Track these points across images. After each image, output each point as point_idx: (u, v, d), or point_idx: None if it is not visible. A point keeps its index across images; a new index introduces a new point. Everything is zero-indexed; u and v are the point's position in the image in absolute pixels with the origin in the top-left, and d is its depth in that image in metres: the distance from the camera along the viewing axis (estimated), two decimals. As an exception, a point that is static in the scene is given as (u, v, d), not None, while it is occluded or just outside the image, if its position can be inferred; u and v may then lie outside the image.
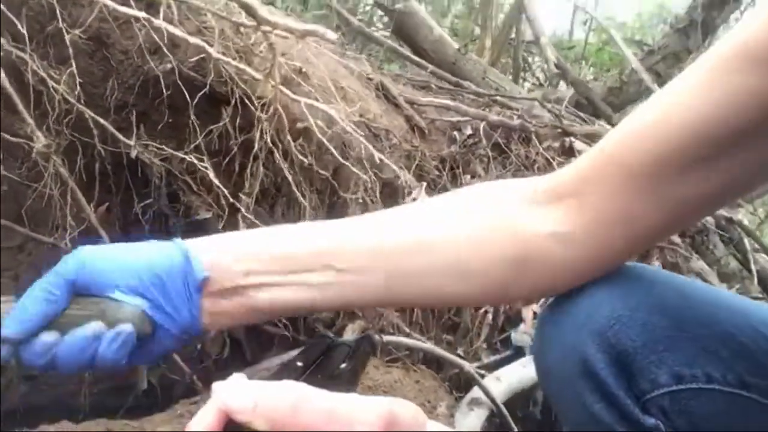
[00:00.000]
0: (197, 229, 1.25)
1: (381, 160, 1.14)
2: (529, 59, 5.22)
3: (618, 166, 0.58)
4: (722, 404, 0.60)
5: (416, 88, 2.17)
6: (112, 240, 1.17)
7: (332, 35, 0.92)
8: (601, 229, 0.59)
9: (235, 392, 0.32)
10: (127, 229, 1.23)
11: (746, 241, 2.48)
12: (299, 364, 0.51)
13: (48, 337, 0.56)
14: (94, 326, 0.55)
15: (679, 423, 0.60)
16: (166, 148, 1.09)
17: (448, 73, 2.84)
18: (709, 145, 0.55)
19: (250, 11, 0.98)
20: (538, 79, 5.58)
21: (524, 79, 5.42)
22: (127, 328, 0.55)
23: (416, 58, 2.52)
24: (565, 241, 0.60)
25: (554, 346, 0.65)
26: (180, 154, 1.06)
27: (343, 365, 0.53)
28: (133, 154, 1.12)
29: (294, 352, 0.63)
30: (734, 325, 0.61)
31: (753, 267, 2.40)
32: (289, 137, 1.14)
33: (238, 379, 0.34)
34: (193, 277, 0.57)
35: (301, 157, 1.18)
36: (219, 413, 0.33)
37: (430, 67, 2.34)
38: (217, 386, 0.34)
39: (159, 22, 1.01)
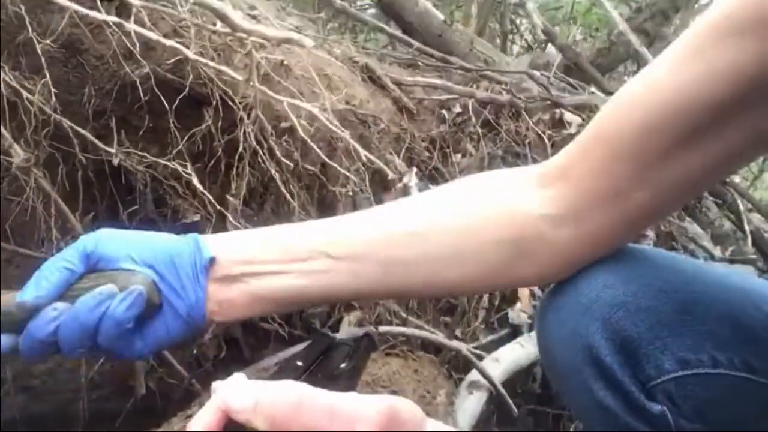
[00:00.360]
0: (186, 232, 1.23)
1: (368, 157, 1.12)
2: (517, 21, 5.15)
3: (601, 143, 0.59)
4: (729, 388, 0.60)
5: (402, 67, 2.14)
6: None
7: (309, 42, 0.89)
8: (590, 208, 0.59)
9: (235, 391, 0.32)
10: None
11: (739, 201, 2.46)
12: (299, 363, 0.50)
13: (58, 305, 0.57)
14: (107, 287, 0.58)
15: (685, 408, 0.60)
16: (148, 156, 1.07)
17: (435, 45, 2.79)
18: (691, 122, 0.55)
19: (225, 20, 0.95)
20: (526, 41, 5.52)
21: (513, 42, 5.36)
22: (137, 288, 0.58)
23: (402, 36, 2.48)
24: (557, 222, 0.60)
25: (558, 333, 0.65)
26: (163, 161, 1.04)
27: (344, 365, 0.53)
28: (116, 161, 1.10)
29: (293, 350, 0.64)
30: (739, 307, 0.61)
31: (747, 227, 2.39)
32: (273, 136, 1.12)
33: (238, 378, 0.34)
34: (200, 257, 0.60)
35: (286, 154, 1.16)
36: (219, 413, 0.32)
37: (416, 43, 2.30)
38: (217, 385, 0.34)
39: (130, 26, 0.98)
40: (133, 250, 0.60)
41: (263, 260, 0.63)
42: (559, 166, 0.61)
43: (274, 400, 0.31)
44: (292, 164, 1.17)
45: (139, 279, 0.58)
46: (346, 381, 0.51)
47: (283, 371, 0.50)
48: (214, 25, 1.10)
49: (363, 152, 1.11)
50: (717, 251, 2.33)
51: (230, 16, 0.94)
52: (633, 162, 0.57)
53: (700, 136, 0.55)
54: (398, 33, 2.47)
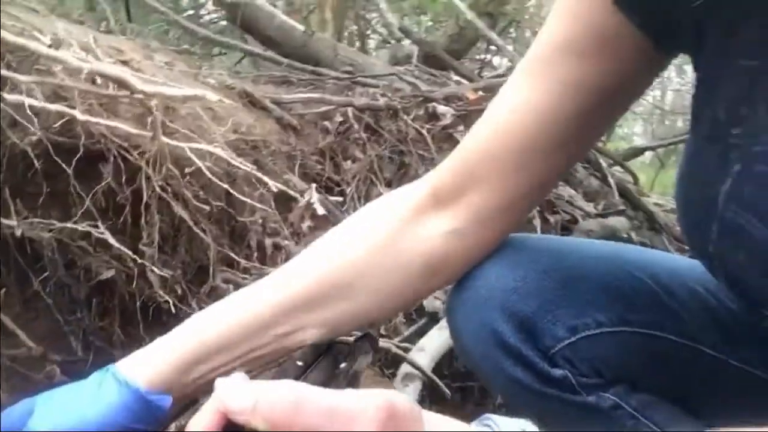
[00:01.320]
0: (103, 289, 1.23)
1: (267, 181, 1.16)
2: (367, 16, 5.29)
3: (489, 162, 0.66)
4: (613, 342, 0.72)
5: (277, 85, 2.18)
6: (18, 320, 1.13)
7: (213, 97, 0.92)
8: (488, 219, 0.67)
9: (234, 393, 0.32)
10: (29, 306, 1.18)
11: (601, 159, 2.71)
12: (299, 363, 0.52)
13: None
14: None
15: (583, 368, 0.71)
16: (56, 223, 1.05)
17: (300, 56, 2.84)
18: (562, 131, 0.63)
19: (124, 84, 0.96)
20: (380, 35, 5.68)
21: (368, 36, 5.50)
22: None
23: (270, 54, 2.51)
24: (459, 236, 0.67)
25: (466, 326, 0.74)
26: (71, 225, 1.03)
27: (343, 365, 0.55)
28: (18, 233, 1.08)
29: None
30: (609, 273, 0.73)
31: (611, 181, 2.62)
32: (175, 179, 1.14)
33: (238, 376, 0.34)
34: (159, 411, 0.61)
35: (191, 194, 1.18)
36: (218, 414, 0.32)
37: (285, 60, 2.34)
38: (218, 383, 0.34)
39: (10, 97, 0.96)
40: None
41: (211, 370, 0.63)
42: (452, 186, 0.67)
43: (273, 400, 0.31)
44: (198, 203, 1.19)
45: None
46: (346, 381, 0.52)
47: (283, 371, 0.51)
48: (93, 82, 1.10)
49: (265, 178, 1.15)
50: (591, 207, 2.54)
51: (129, 81, 0.94)
52: (520, 177, 0.65)
53: (572, 139, 0.65)
54: (269, 53, 2.50)
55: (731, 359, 0.72)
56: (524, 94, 0.64)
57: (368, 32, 5.35)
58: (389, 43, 4.84)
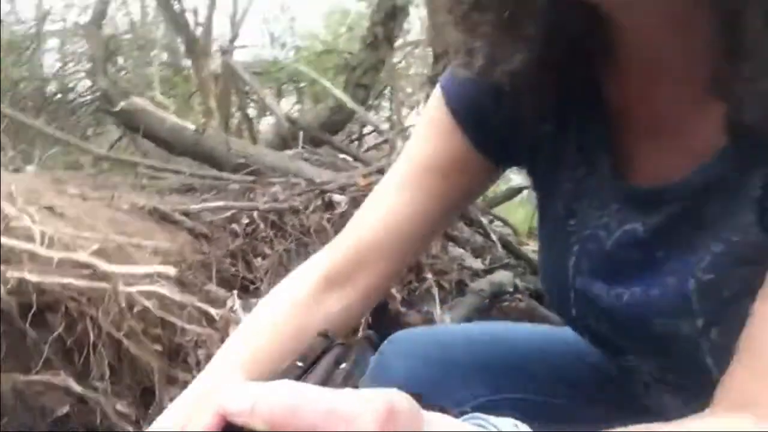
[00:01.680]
0: (60, 424, 1.34)
1: (194, 305, 1.33)
2: (247, 89, 5.49)
3: (375, 252, 0.80)
4: (491, 409, 0.95)
5: (182, 193, 2.33)
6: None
7: (172, 271, 1.09)
8: (371, 294, 0.84)
9: (232, 394, 0.32)
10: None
11: (482, 217, 3.01)
12: (299, 364, 0.52)
13: None
14: None
15: None
16: (20, 377, 1.17)
17: (194, 154, 3.01)
18: (429, 227, 0.81)
19: (92, 268, 1.10)
20: (258, 104, 5.88)
21: (249, 106, 5.69)
22: None
23: (172, 167, 2.65)
24: (348, 310, 0.84)
25: None
26: (33, 377, 1.15)
27: (343, 365, 0.55)
28: (-22, 388, 1.18)
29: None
30: (480, 355, 0.97)
31: (493, 236, 2.92)
32: (123, 318, 1.28)
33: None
34: None
35: (132, 327, 1.33)
36: (217, 416, 0.33)
37: (187, 171, 2.50)
38: None
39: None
40: None
41: None
42: (343, 271, 0.82)
43: (272, 402, 0.31)
44: (140, 333, 1.34)
45: None
46: (345, 381, 0.53)
47: (282, 372, 0.51)
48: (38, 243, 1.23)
49: (203, 305, 1.32)
50: (479, 264, 2.81)
51: (97, 264, 1.09)
52: (397, 261, 0.83)
53: (439, 229, 0.86)
54: (171, 166, 2.64)
55: (581, 404, 0.97)
56: (398, 198, 0.79)
57: (249, 102, 5.56)
58: (267, 113, 5.05)
